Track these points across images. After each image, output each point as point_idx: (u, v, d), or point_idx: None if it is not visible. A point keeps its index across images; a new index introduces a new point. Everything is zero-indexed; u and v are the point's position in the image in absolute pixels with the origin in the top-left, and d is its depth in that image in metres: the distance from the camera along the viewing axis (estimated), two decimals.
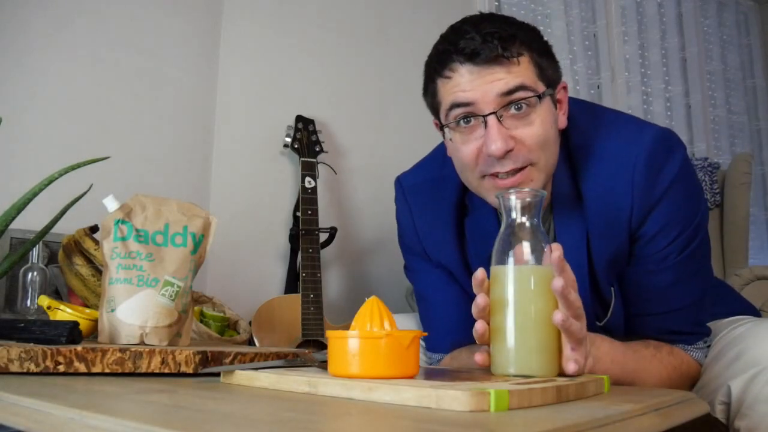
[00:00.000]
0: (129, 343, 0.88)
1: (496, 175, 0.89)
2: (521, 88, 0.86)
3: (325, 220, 1.86)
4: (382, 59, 2.16)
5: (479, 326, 0.73)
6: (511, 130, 0.87)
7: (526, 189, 0.75)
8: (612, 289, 0.97)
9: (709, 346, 0.99)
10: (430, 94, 0.95)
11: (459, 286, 1.09)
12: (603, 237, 0.94)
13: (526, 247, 0.73)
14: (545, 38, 0.95)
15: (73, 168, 1.06)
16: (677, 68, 2.83)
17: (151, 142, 1.73)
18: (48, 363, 0.71)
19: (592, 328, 0.91)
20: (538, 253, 0.73)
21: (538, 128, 0.88)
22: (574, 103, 1.01)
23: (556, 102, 0.94)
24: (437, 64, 0.92)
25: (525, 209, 0.75)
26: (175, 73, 1.80)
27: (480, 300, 0.72)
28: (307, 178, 1.80)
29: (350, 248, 2.00)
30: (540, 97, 0.88)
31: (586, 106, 1.03)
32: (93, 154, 1.13)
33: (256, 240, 1.86)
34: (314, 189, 1.80)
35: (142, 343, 0.89)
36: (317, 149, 1.88)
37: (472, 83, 0.87)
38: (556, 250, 0.70)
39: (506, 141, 0.86)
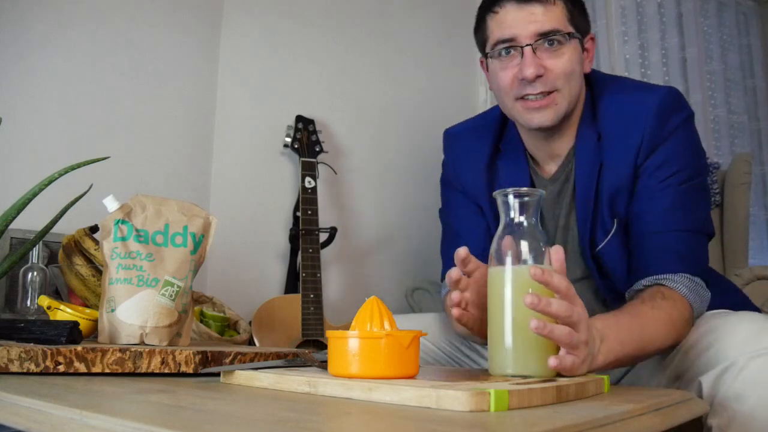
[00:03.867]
0: (129, 343, 0.88)
1: (525, 98, 1.06)
2: (554, 30, 1.04)
3: (325, 220, 1.86)
4: (382, 59, 2.16)
5: (454, 273, 0.80)
6: (543, 60, 1.04)
7: (524, 188, 0.76)
8: (614, 221, 1.07)
9: (703, 295, 1.00)
10: (481, 30, 1.12)
11: (486, 224, 1.19)
12: (612, 168, 1.07)
13: (524, 247, 0.73)
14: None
15: (73, 168, 1.06)
16: (677, 68, 2.83)
17: (151, 142, 1.73)
18: (48, 363, 0.71)
19: (584, 255, 1.09)
20: (536, 253, 0.73)
21: (566, 61, 1.05)
22: (597, 70, 1.17)
23: (583, 48, 1.10)
24: (488, 2, 1.09)
25: (523, 209, 0.75)
26: (175, 73, 1.80)
27: (461, 251, 0.80)
28: (307, 178, 1.80)
29: (350, 248, 2.00)
30: (570, 35, 1.05)
31: (608, 74, 1.20)
32: (93, 154, 1.12)
33: (256, 240, 1.86)
34: (314, 189, 1.80)
35: (142, 343, 0.89)
36: (317, 149, 1.88)
37: (515, 20, 1.04)
38: (556, 252, 0.72)
39: (538, 67, 1.03)
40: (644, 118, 1.04)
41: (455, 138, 1.29)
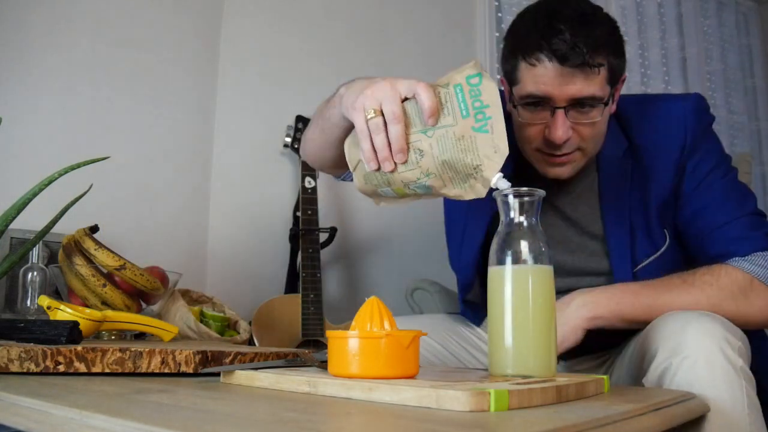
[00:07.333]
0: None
1: (550, 155, 1.02)
2: (591, 97, 0.97)
3: (325, 220, 1.86)
4: (382, 59, 2.15)
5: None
6: (573, 121, 0.99)
7: (524, 188, 0.76)
8: (665, 231, 1.06)
9: None
10: (510, 66, 1.02)
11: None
12: (657, 179, 1.06)
13: (524, 247, 0.73)
14: (620, 33, 1.03)
15: (73, 168, 1.06)
16: (677, 68, 2.83)
17: (151, 142, 1.73)
18: (48, 363, 0.71)
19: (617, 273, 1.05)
20: (536, 253, 0.73)
21: (597, 126, 1.01)
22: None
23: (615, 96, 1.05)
24: (526, 48, 0.98)
25: (523, 209, 0.75)
26: (175, 73, 1.80)
27: None
28: (307, 178, 1.80)
29: (350, 248, 2.00)
30: (606, 104, 0.99)
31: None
32: (93, 154, 1.12)
33: (256, 240, 1.86)
34: (314, 189, 1.80)
35: None
36: None
37: (553, 80, 0.96)
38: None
39: (567, 131, 0.98)
40: (684, 119, 1.05)
41: None
